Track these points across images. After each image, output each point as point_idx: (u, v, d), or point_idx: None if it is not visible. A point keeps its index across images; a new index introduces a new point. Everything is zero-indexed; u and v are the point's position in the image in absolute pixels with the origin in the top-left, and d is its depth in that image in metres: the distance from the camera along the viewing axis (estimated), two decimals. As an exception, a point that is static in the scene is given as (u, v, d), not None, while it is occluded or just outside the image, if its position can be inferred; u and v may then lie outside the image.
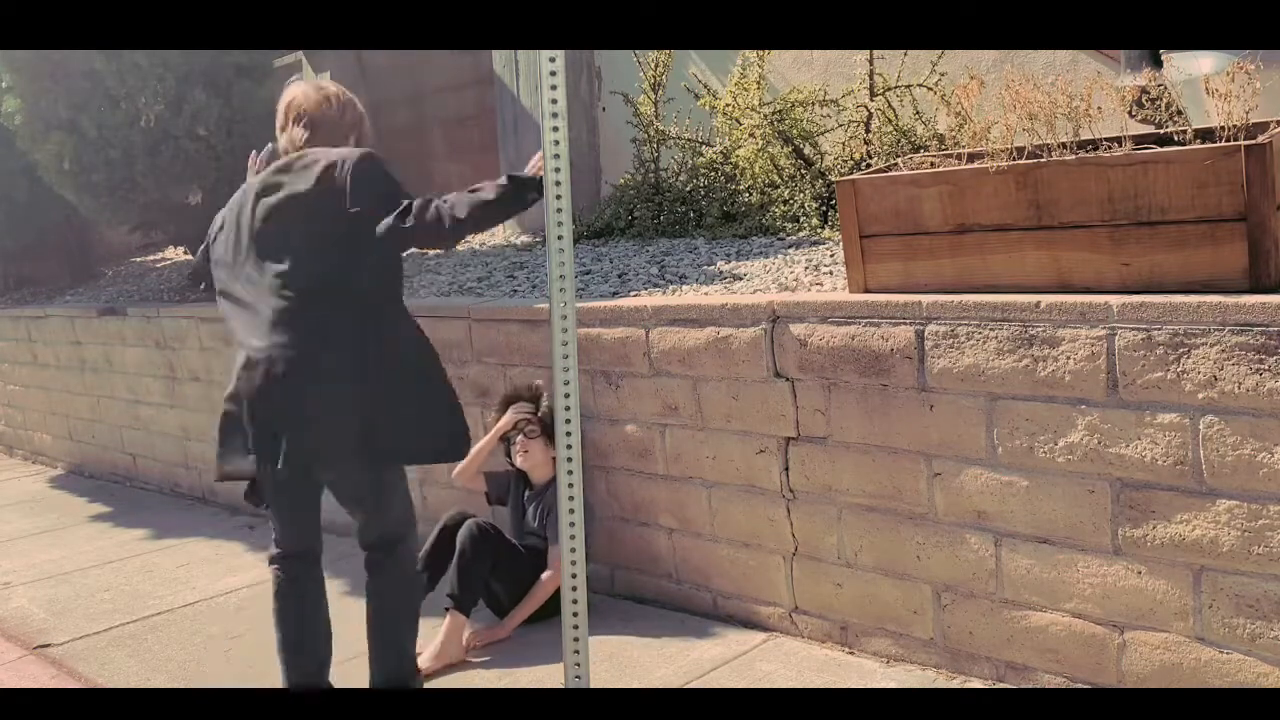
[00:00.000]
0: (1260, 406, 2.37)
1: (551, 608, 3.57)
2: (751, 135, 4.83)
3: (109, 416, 6.61)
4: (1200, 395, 2.45)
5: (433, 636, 3.49)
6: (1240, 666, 2.49)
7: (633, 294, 3.89)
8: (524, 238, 6.25)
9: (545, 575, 3.60)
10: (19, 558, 5.14)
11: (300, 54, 8.11)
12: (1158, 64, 3.49)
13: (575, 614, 2.67)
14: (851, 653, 3.20)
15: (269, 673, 3.06)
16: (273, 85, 6.79)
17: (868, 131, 4.53)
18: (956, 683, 2.96)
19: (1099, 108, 2.83)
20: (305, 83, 2.95)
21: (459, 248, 6.12)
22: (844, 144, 4.60)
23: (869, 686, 2.98)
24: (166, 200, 6.16)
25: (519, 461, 3.73)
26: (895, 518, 3.04)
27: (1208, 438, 2.45)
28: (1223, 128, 2.60)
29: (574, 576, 2.65)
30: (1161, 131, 2.95)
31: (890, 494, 3.03)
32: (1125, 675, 2.68)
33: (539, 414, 3.71)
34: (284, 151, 2.85)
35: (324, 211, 2.64)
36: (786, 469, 3.25)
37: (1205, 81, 2.70)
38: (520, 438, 3.69)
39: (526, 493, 3.80)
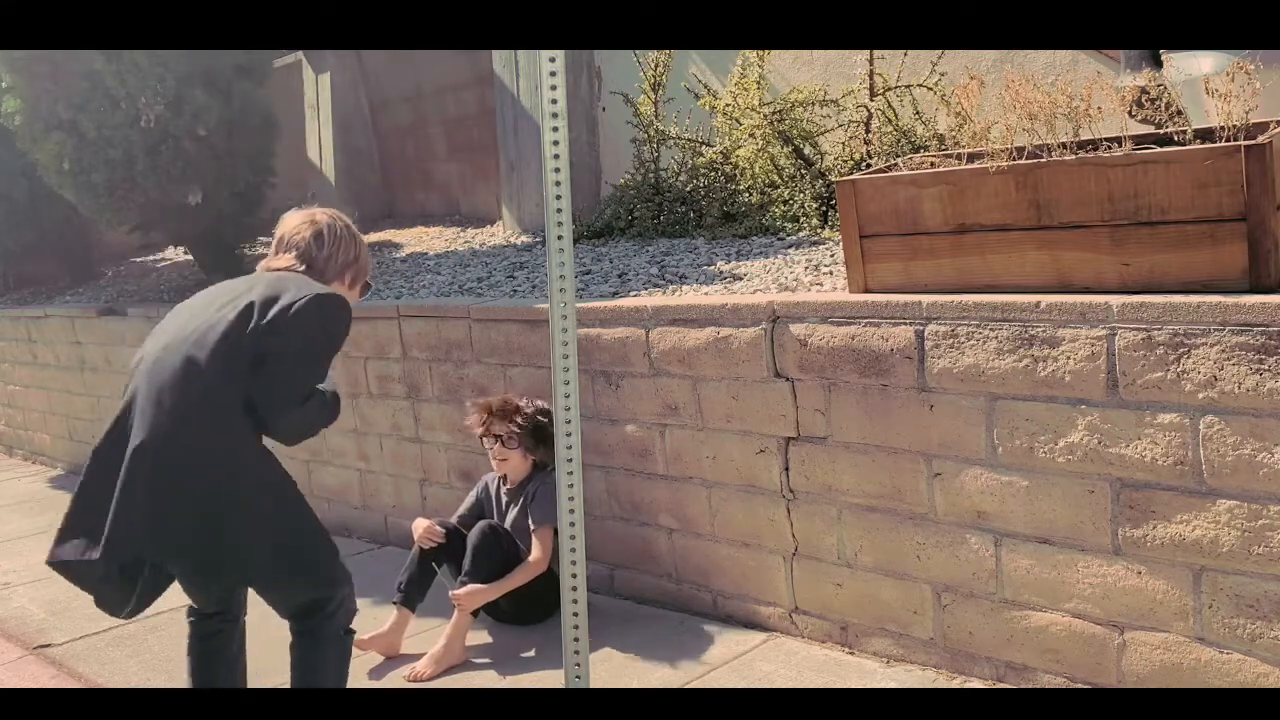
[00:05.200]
0: (1260, 406, 2.37)
1: (551, 607, 3.57)
2: (751, 135, 4.83)
3: (109, 416, 6.60)
4: (1200, 395, 2.45)
5: (434, 635, 3.50)
6: (1240, 666, 2.49)
7: (633, 294, 3.89)
8: (524, 238, 6.25)
9: (533, 556, 3.57)
10: (19, 558, 5.14)
11: (300, 54, 8.12)
12: (1158, 64, 3.49)
13: (575, 614, 2.66)
14: (851, 653, 3.20)
15: (269, 673, 3.06)
16: (273, 85, 6.81)
17: (868, 131, 4.53)
18: (956, 683, 2.95)
19: (1099, 108, 2.83)
20: (298, 213, 2.80)
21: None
22: (844, 144, 4.60)
23: (869, 686, 2.98)
24: (166, 200, 6.17)
25: (495, 466, 3.72)
26: (895, 518, 3.04)
27: (1208, 438, 2.45)
28: (1223, 128, 2.59)
29: (574, 577, 2.65)
30: (1161, 131, 2.94)
31: (890, 494, 3.03)
32: (1125, 675, 2.68)
33: (516, 425, 3.65)
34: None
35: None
36: (786, 469, 3.25)
37: (1205, 81, 2.70)
38: (498, 445, 3.67)
39: (503, 489, 3.79)
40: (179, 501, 2.43)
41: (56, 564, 2.51)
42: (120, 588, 2.53)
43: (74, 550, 2.48)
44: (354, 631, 2.73)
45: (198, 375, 2.44)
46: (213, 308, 2.55)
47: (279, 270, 2.68)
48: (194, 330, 2.50)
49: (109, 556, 2.42)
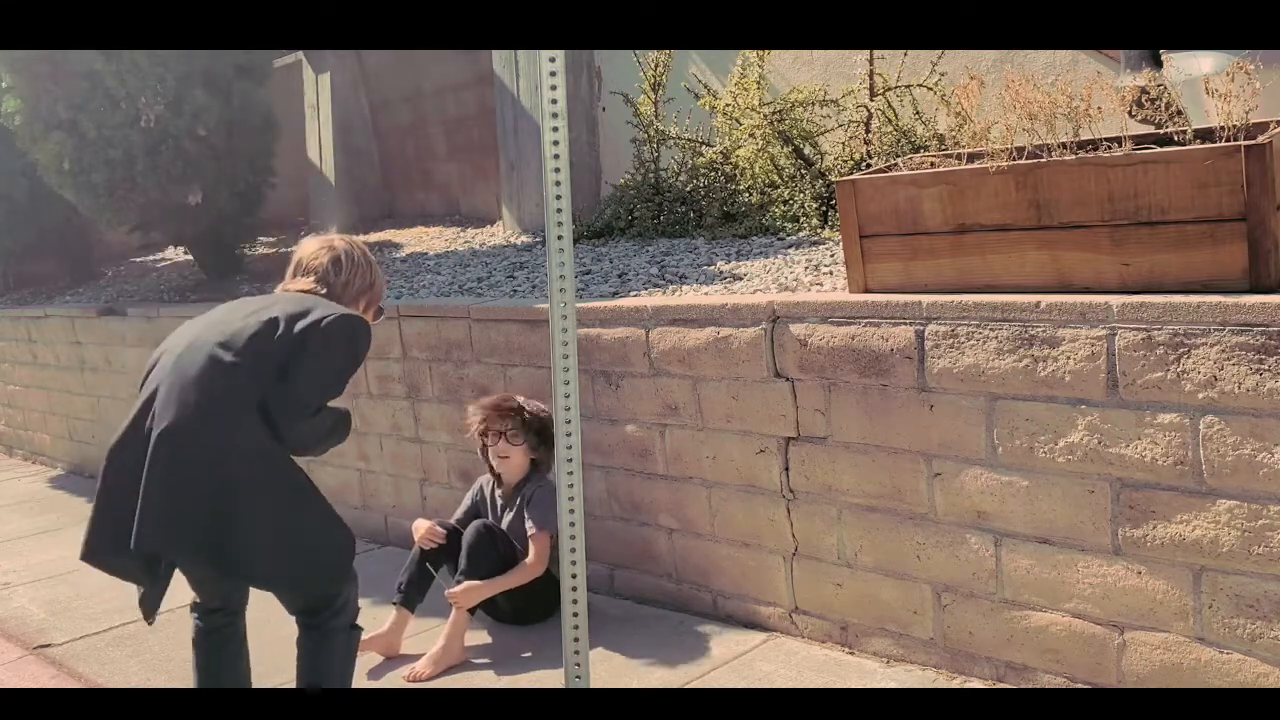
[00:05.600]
0: (1260, 406, 2.37)
1: (551, 607, 3.57)
2: (751, 135, 4.83)
3: (109, 416, 6.61)
4: (1200, 395, 2.45)
5: (433, 635, 3.50)
6: (1240, 666, 2.49)
7: (633, 294, 3.89)
8: (524, 238, 6.25)
9: (529, 559, 3.57)
10: (19, 558, 5.14)
11: (300, 54, 8.12)
12: (1158, 64, 3.49)
13: (575, 614, 2.67)
14: (851, 653, 3.20)
15: (270, 673, 3.06)
16: (273, 85, 6.82)
17: (868, 131, 4.53)
18: (956, 683, 2.96)
19: (1099, 108, 2.83)
20: (316, 239, 2.87)
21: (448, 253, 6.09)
22: (844, 144, 4.60)
23: (869, 686, 2.98)
24: (166, 200, 6.17)
25: (495, 464, 3.70)
26: (895, 518, 3.04)
27: (1208, 438, 2.45)
28: (1223, 128, 2.59)
29: (574, 577, 2.65)
30: (1161, 131, 2.95)
31: (890, 494, 3.03)
32: (1125, 675, 2.68)
33: (522, 420, 3.64)
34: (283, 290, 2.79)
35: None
36: (786, 469, 3.25)
37: (1205, 81, 2.70)
38: (502, 442, 3.64)
39: (498, 492, 3.77)
40: (192, 495, 2.45)
41: (92, 560, 2.57)
42: (155, 584, 2.62)
43: (107, 546, 2.54)
44: (360, 628, 2.75)
45: (222, 373, 2.48)
46: (237, 316, 2.60)
47: (299, 291, 2.74)
48: (219, 333, 2.55)
49: (139, 548, 2.46)
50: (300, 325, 2.52)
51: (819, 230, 4.46)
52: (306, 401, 2.55)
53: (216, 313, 2.69)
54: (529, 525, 3.58)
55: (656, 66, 5.30)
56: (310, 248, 2.83)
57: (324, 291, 2.74)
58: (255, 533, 2.49)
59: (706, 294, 3.69)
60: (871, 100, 4.49)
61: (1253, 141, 2.43)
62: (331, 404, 2.67)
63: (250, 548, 2.50)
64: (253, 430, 2.49)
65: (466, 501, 3.86)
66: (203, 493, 2.45)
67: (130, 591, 2.59)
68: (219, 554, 2.51)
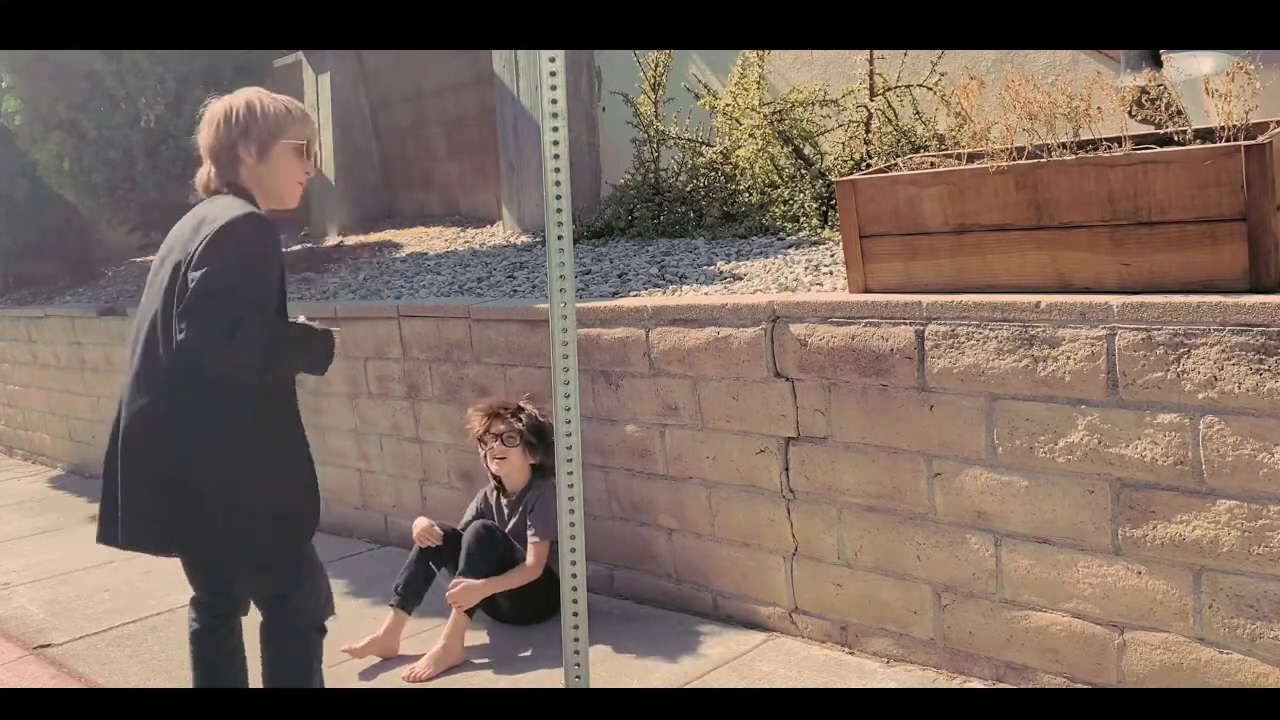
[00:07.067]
0: (1260, 406, 2.37)
1: (551, 607, 3.57)
2: (751, 135, 4.83)
3: (109, 416, 6.60)
4: (1200, 395, 2.45)
5: (433, 636, 3.50)
6: (1240, 666, 2.49)
7: (633, 294, 3.89)
8: (524, 238, 6.25)
9: (529, 561, 3.57)
10: (19, 558, 5.14)
11: (300, 54, 8.13)
12: (1158, 64, 3.49)
13: (575, 614, 2.67)
14: (851, 653, 3.20)
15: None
16: (273, 85, 6.81)
17: (868, 131, 4.53)
18: (956, 683, 2.96)
19: (1099, 108, 2.83)
20: (217, 104, 2.58)
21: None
22: (844, 144, 4.60)
23: (869, 686, 2.98)
24: (166, 200, 6.17)
25: (494, 467, 3.70)
26: (895, 518, 3.04)
27: (1208, 438, 2.45)
28: (1223, 128, 2.59)
29: (574, 576, 2.65)
30: (1161, 131, 2.95)
31: (890, 494, 3.03)
32: (1125, 675, 2.68)
33: (519, 422, 3.64)
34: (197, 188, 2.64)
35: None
36: (786, 469, 3.25)
37: (1205, 81, 2.70)
38: (498, 444, 3.64)
39: (504, 500, 3.77)
40: (152, 495, 2.46)
41: (108, 543, 2.62)
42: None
43: (112, 535, 2.59)
44: (324, 630, 2.70)
45: (155, 363, 2.47)
46: (155, 283, 2.50)
47: (205, 189, 2.58)
48: (147, 314, 2.50)
49: (125, 546, 2.52)
50: (193, 264, 2.36)
51: (819, 230, 4.46)
52: (210, 327, 2.30)
53: (158, 257, 2.58)
54: (530, 532, 3.57)
55: (656, 66, 5.31)
56: (206, 116, 2.58)
57: (220, 181, 2.54)
58: (213, 514, 2.45)
59: (706, 294, 3.69)
60: (871, 100, 4.49)
61: (1253, 141, 2.43)
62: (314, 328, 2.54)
63: (210, 530, 2.47)
64: (195, 409, 2.43)
65: (470, 511, 3.84)
66: (162, 489, 2.45)
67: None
68: (185, 545, 2.54)
